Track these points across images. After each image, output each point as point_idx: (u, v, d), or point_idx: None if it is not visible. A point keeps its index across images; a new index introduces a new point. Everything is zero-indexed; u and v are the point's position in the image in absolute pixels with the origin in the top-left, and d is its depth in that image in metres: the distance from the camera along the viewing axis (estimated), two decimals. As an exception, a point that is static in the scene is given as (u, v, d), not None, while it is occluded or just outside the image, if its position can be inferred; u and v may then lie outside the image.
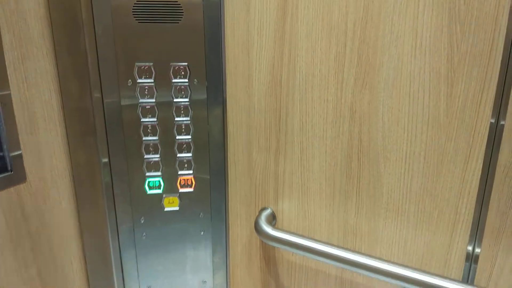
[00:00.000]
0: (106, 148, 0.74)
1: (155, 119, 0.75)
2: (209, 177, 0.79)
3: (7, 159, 0.68)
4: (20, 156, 0.70)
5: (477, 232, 0.66)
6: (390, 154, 0.69)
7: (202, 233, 0.82)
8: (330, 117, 0.71)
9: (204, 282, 0.86)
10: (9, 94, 0.67)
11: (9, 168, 0.68)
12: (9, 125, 0.68)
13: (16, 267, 0.72)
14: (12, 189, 0.69)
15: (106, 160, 0.75)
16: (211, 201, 0.81)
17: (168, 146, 0.77)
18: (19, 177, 0.70)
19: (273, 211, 0.81)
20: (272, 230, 0.76)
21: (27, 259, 0.73)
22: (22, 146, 0.70)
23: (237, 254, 0.87)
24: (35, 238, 0.74)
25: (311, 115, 0.72)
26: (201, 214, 0.81)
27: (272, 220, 0.80)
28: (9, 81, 0.66)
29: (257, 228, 0.77)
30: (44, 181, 0.74)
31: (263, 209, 0.81)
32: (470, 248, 0.67)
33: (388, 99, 0.66)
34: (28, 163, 0.71)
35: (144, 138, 0.75)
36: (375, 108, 0.68)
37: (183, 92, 0.74)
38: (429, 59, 0.62)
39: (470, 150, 0.63)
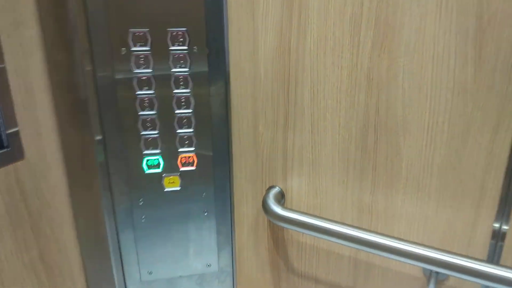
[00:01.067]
0: (98, 124, 0.72)
1: (152, 92, 0.72)
2: (212, 154, 0.78)
3: (3, 135, 0.66)
4: (16, 131, 0.68)
5: (505, 208, 0.63)
6: (410, 124, 0.65)
7: (205, 214, 0.81)
8: (344, 86, 0.68)
9: (209, 265, 0.85)
10: (4, 67, 0.64)
11: (5, 144, 0.66)
12: (4, 98, 0.65)
13: (16, 250, 0.70)
14: (10, 167, 0.67)
15: (99, 137, 0.73)
16: (214, 179, 0.79)
17: (167, 121, 0.74)
18: (17, 153, 0.69)
19: (281, 189, 0.79)
20: (282, 209, 0.73)
21: (28, 242, 0.72)
22: (18, 121, 0.68)
23: (243, 235, 0.86)
24: (36, 218, 0.73)
25: (323, 83, 0.69)
26: (204, 193, 0.80)
27: (281, 198, 0.78)
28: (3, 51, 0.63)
29: (265, 207, 0.75)
30: (43, 158, 0.72)
31: (271, 187, 0.79)
32: (497, 225, 0.64)
33: (409, 64, 0.63)
34: (26, 139, 0.69)
35: (140, 113, 0.73)
36: (395, 74, 0.64)
37: (182, 61, 0.71)
38: (456, 19, 0.58)
39: (499, 120, 0.60)
